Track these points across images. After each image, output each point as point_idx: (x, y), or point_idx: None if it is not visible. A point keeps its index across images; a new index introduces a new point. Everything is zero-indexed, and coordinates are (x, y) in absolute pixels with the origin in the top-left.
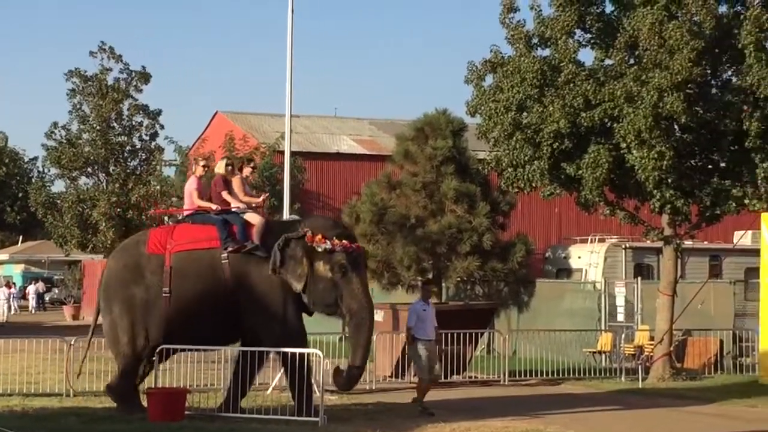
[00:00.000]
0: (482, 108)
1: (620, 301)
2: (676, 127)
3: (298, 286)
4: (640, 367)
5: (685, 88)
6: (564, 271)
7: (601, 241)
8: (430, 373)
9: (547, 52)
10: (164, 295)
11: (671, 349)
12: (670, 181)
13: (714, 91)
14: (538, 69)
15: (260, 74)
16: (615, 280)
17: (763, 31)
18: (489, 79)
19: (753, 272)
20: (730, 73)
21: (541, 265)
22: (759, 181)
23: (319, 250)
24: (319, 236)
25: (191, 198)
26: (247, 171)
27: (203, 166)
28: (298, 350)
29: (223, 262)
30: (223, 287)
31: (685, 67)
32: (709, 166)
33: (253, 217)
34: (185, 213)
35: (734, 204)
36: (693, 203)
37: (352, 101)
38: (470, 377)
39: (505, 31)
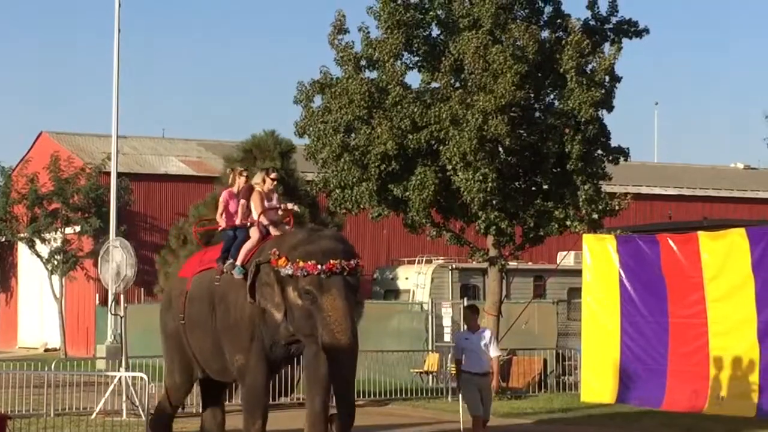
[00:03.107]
0: (311, 129)
1: (447, 322)
2: (500, 149)
3: (277, 315)
4: None
5: (508, 111)
6: (392, 292)
7: (428, 262)
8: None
9: (375, 74)
10: (181, 322)
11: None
12: (494, 202)
13: (537, 114)
14: (366, 91)
15: (87, 94)
16: (442, 301)
17: (584, 56)
18: (318, 100)
19: (575, 292)
20: (552, 96)
21: (369, 287)
22: (580, 203)
23: (282, 274)
24: (282, 258)
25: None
26: (268, 181)
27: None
28: (120, 374)
29: (215, 284)
30: (213, 312)
31: (508, 90)
32: (533, 188)
33: (252, 234)
34: (219, 229)
35: (557, 225)
36: (517, 224)
37: (181, 122)
38: (298, 399)
39: (334, 52)
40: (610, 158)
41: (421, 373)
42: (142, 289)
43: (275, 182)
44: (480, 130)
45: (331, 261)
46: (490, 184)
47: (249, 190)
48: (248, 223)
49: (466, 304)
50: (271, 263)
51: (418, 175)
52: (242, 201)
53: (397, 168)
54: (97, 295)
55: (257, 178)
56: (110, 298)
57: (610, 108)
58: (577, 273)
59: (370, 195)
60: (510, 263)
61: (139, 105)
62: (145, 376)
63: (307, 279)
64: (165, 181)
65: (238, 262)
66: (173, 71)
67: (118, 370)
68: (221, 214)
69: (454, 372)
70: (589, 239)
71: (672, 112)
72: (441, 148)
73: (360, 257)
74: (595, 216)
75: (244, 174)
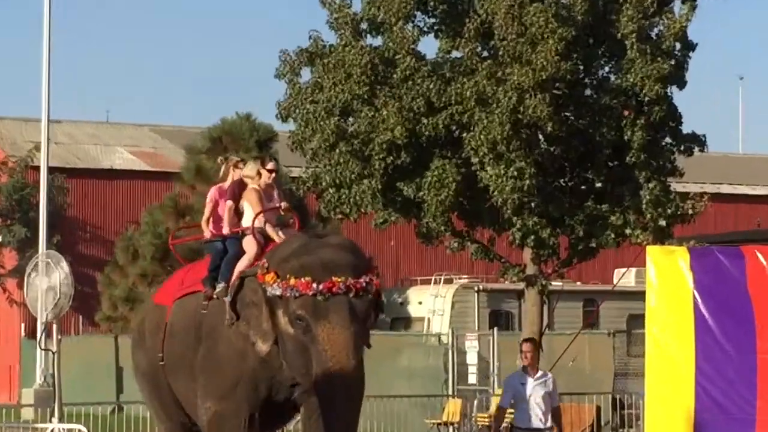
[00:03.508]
0: (297, 111)
1: (472, 359)
2: (540, 137)
3: (262, 347)
4: None
5: (550, 88)
6: (401, 321)
7: (448, 282)
8: None
9: (379, 40)
10: (160, 363)
11: None
12: (533, 205)
13: (587, 92)
14: (367, 62)
15: (8, 66)
16: (465, 332)
17: (647, 17)
18: (306, 74)
19: (637, 320)
20: (607, 69)
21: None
22: (643, 206)
23: (269, 294)
24: (271, 274)
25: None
26: (264, 174)
27: (248, 176)
28: (53, 425)
29: (202, 312)
30: (198, 347)
31: (550, 61)
32: (582, 187)
33: (247, 245)
34: (204, 241)
35: (613, 235)
36: (562, 234)
37: (130, 103)
38: None
39: (327, 13)
40: (682, 148)
41: (439, 424)
42: (81, 316)
43: (274, 174)
44: (514, 113)
45: (333, 278)
46: (527, 182)
47: (239, 187)
48: (240, 232)
49: (496, 334)
50: (257, 279)
51: (435, 171)
52: (228, 203)
53: (407, 161)
54: (23, 325)
55: (249, 170)
56: (39, 328)
57: (681, 84)
58: (639, 296)
59: (374, 195)
60: (553, 283)
61: (77, 81)
62: (84, 429)
63: (299, 301)
64: (110, 178)
65: (230, 282)
66: (118, 39)
67: (50, 421)
68: (207, 220)
69: (486, 422)
70: (654, 252)
71: (761, 89)
72: (464, 135)
73: (377, 273)
74: (663, 222)
75: (241, 166)
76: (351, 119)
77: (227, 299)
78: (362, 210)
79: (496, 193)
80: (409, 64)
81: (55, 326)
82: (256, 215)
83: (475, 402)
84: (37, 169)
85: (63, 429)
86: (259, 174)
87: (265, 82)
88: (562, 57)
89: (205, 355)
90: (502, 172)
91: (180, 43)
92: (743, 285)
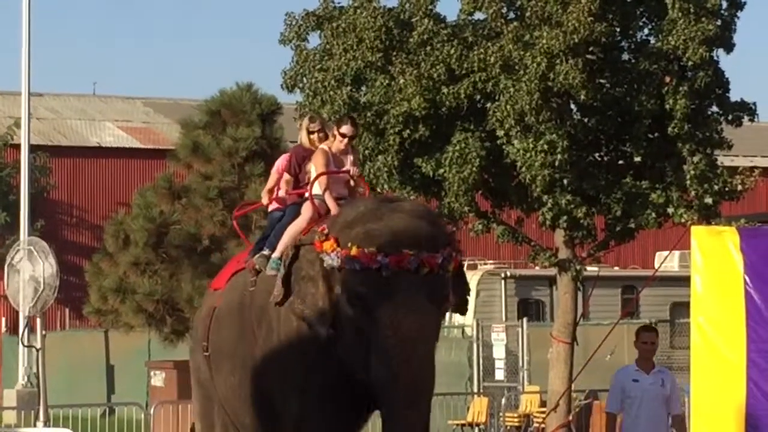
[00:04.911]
0: (304, 80)
1: (499, 353)
2: (572, 107)
3: (321, 331)
4: None
5: (584, 52)
6: None
7: (472, 267)
8: None
9: (394, 1)
10: (204, 353)
11: (570, 418)
12: (565, 182)
13: (625, 56)
14: (381, 26)
15: None
16: (492, 323)
17: None
18: (315, 40)
19: (681, 309)
20: (646, 31)
21: None
22: (688, 182)
23: (326, 266)
24: (330, 241)
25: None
26: (338, 139)
27: (314, 131)
28: (37, 430)
29: (250, 290)
30: (245, 333)
31: (583, 23)
32: (620, 162)
33: (303, 210)
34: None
35: (654, 214)
36: (598, 214)
37: (119, 74)
38: None
39: None
40: (730, 118)
41: (463, 425)
42: (67, 309)
43: (346, 140)
44: (543, 80)
45: (403, 251)
46: (558, 157)
47: (300, 154)
48: (301, 198)
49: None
50: (315, 246)
51: (457, 145)
52: (285, 176)
53: (426, 135)
54: (4, 320)
55: (314, 123)
56: (22, 323)
57: (728, 47)
58: (684, 282)
59: (389, 172)
60: (588, 268)
61: (61, 50)
62: None
63: (361, 276)
64: (98, 157)
65: (276, 254)
66: (106, 3)
67: (34, 425)
68: (271, 189)
69: (516, 423)
70: (700, 233)
71: None
72: (489, 105)
73: (457, 248)
74: (709, 200)
75: (315, 128)
76: (364, 89)
77: (280, 272)
78: (377, 188)
79: (524, 169)
80: (427, 28)
81: (39, 321)
82: (316, 177)
83: (503, 400)
84: (17, 147)
85: None
86: (333, 136)
87: (269, 48)
88: (596, 18)
89: (264, 343)
90: (531, 146)
91: (174, 6)
92: None
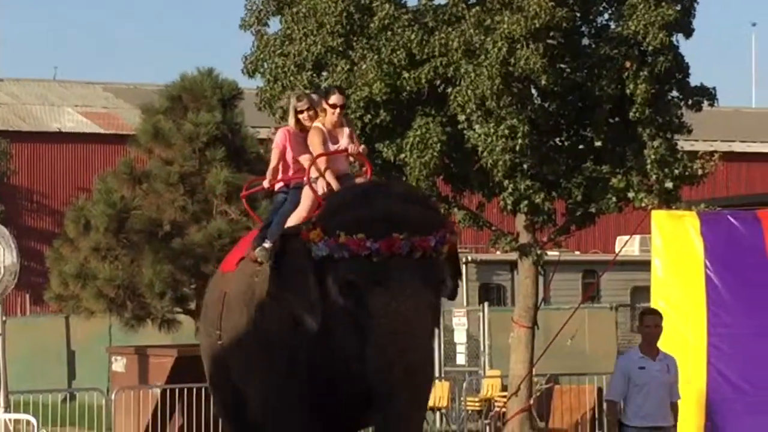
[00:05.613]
0: (265, 65)
1: (460, 337)
2: (533, 92)
3: (311, 323)
4: (488, 428)
5: (545, 37)
6: None
7: None
8: None
9: None
10: (218, 341)
11: (531, 402)
12: (526, 167)
13: (585, 41)
14: (342, 10)
15: None
16: (452, 308)
17: None
18: (275, 25)
19: (642, 292)
20: (607, 16)
21: None
22: (648, 167)
23: (314, 255)
24: (317, 230)
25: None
26: (329, 112)
27: (303, 111)
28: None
29: (255, 279)
30: (254, 321)
31: (544, 8)
32: (580, 147)
33: (304, 196)
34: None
35: (614, 199)
36: (559, 198)
37: (79, 59)
38: None
39: None
40: (690, 103)
41: None
42: (28, 295)
43: (338, 110)
44: (504, 65)
45: (394, 235)
46: (519, 142)
47: (296, 137)
48: (305, 180)
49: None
50: (302, 237)
51: (418, 130)
52: (288, 152)
53: (387, 120)
54: None
55: (300, 102)
56: None
57: (688, 32)
58: (645, 266)
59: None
60: (549, 253)
61: (21, 35)
62: (33, 420)
63: (351, 263)
64: (58, 142)
65: (270, 241)
66: None
67: None
68: (275, 169)
69: (477, 407)
70: (660, 218)
71: None
72: (450, 90)
73: (452, 230)
74: (669, 184)
75: (304, 107)
76: (325, 74)
77: (269, 264)
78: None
79: (485, 154)
80: (388, 12)
81: None
82: (313, 160)
83: (465, 385)
84: None
85: (9, 420)
86: (323, 111)
87: (229, 34)
88: (557, 3)
89: (254, 332)
90: (492, 130)
91: None
92: (760, 253)
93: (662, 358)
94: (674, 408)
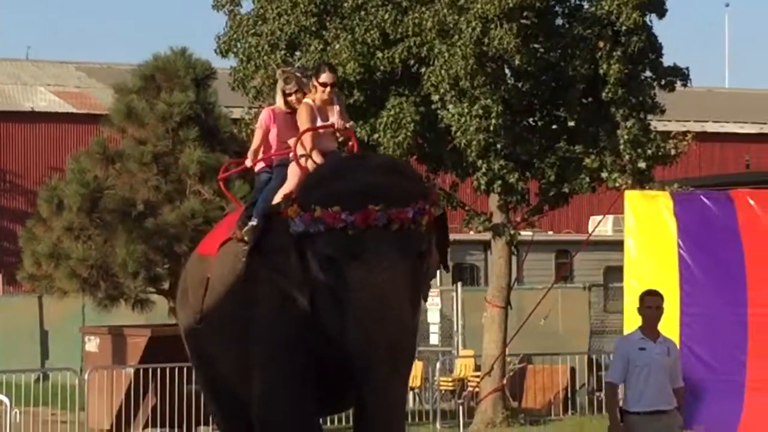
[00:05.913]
0: (238, 45)
1: (433, 317)
2: (507, 72)
3: (302, 300)
4: (461, 408)
5: (518, 17)
6: None
7: None
8: None
9: None
10: (196, 325)
11: (504, 382)
12: (499, 147)
13: (558, 21)
14: None
15: None
16: None
17: None
18: (248, 4)
19: (615, 273)
20: None
21: None
22: (621, 147)
23: (293, 232)
24: (294, 206)
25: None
26: (319, 89)
27: (291, 93)
28: None
29: (242, 259)
30: (241, 307)
31: None
32: (553, 127)
33: (290, 173)
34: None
35: (588, 179)
36: (532, 178)
37: (52, 38)
38: None
39: None
40: (663, 83)
41: None
42: (1, 275)
43: (328, 88)
44: (478, 45)
45: (369, 206)
46: (492, 122)
47: (285, 117)
48: (291, 156)
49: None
50: (282, 214)
51: (392, 110)
52: (272, 131)
53: (361, 99)
54: None
55: (289, 85)
56: None
57: (661, 12)
58: (618, 246)
59: None
60: (522, 233)
61: None
62: (6, 400)
63: (327, 237)
64: (31, 122)
65: (255, 219)
66: None
67: None
68: (257, 150)
69: (450, 387)
70: (633, 198)
71: (750, 18)
72: (423, 70)
73: (434, 200)
74: (642, 164)
75: (292, 89)
76: (298, 54)
77: (248, 245)
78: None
79: (459, 134)
80: None
81: None
82: (300, 135)
83: (438, 365)
84: None
85: None
86: (314, 88)
87: (202, 13)
88: None
89: (242, 312)
90: (466, 110)
91: None
92: (733, 233)
93: (663, 341)
94: (678, 394)
